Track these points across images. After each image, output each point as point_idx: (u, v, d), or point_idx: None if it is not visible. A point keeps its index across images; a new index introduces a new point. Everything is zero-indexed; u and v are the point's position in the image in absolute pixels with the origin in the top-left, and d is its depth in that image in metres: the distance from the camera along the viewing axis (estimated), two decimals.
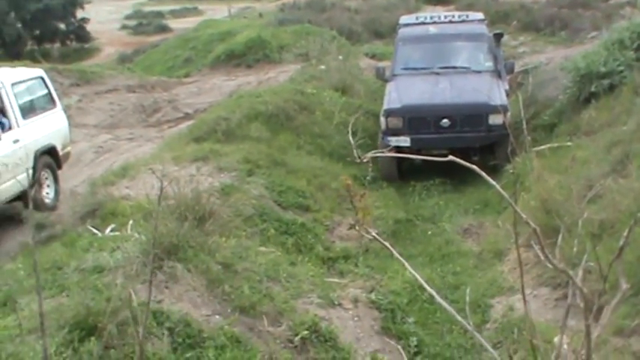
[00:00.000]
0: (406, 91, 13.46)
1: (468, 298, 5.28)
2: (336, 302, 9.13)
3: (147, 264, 7.32)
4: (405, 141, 12.73)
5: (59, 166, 13.23)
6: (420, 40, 15.03)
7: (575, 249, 5.10)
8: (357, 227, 5.97)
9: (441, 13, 16.79)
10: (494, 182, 5.54)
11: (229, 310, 7.66)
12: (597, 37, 22.51)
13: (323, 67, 18.82)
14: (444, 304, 5.13)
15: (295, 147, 13.46)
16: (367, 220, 5.92)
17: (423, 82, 13.80)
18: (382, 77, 14.88)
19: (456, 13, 16.78)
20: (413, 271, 5.65)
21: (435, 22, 15.59)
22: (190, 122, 16.77)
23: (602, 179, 9.44)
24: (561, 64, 14.12)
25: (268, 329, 7.95)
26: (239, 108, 14.08)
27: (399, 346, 8.05)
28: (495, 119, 12.52)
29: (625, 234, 4.91)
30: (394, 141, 12.72)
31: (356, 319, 8.96)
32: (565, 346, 5.12)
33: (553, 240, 5.02)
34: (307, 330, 8.03)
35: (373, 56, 23.46)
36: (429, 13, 19.09)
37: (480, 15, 16.19)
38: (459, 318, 5.11)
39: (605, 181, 9.30)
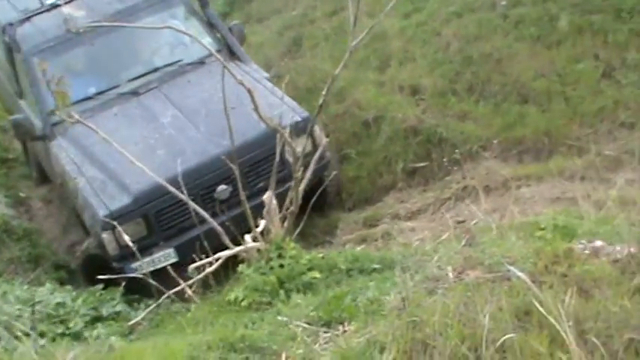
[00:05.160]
0: (112, 162, 6.89)
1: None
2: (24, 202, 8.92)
3: None
4: (166, 257, 6.82)
5: None
6: (68, 42, 7.86)
7: None
8: (57, 112, 5.83)
9: None
10: (206, 44, 5.71)
11: None
12: None
13: None
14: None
15: None
16: (67, 104, 5.83)
17: (125, 124, 7.42)
18: (29, 135, 7.79)
19: None
20: (119, 148, 5.72)
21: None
22: None
23: (279, 61, 10.00)
24: None
25: None
26: None
27: None
28: (298, 146, 6.02)
29: (324, 93, 5.43)
30: (145, 265, 6.61)
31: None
32: (274, 201, 5.56)
33: None
34: None
35: None
36: None
37: None
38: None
39: (283, 62, 9.89)
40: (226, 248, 5.67)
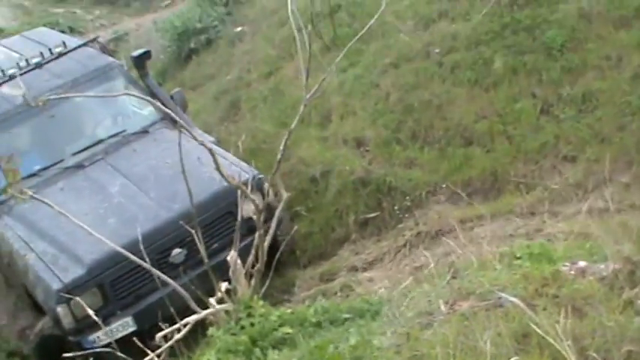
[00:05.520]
0: (62, 235, 6.76)
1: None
2: None
3: None
4: (125, 326, 6.67)
5: None
6: (11, 119, 7.81)
7: None
8: (9, 191, 5.70)
9: (5, 49, 9.08)
10: (161, 106, 5.70)
11: None
12: (170, 4, 23.48)
13: None
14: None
15: None
16: (17, 181, 5.72)
17: (73, 198, 7.23)
18: None
19: (38, 42, 8.95)
20: (80, 223, 5.62)
21: (9, 78, 8.04)
22: None
23: (219, 125, 10.02)
24: (155, 26, 14.35)
25: None
26: None
27: None
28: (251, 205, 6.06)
29: (281, 148, 5.45)
30: (103, 336, 6.47)
31: None
32: (238, 262, 5.50)
33: None
34: None
35: None
36: None
37: (90, 38, 9.30)
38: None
39: (223, 126, 9.91)
40: (188, 311, 5.57)
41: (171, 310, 5.51)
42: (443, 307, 3.08)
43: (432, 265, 3.99)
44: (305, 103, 5.43)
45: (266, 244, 5.54)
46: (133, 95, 5.95)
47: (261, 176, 7.11)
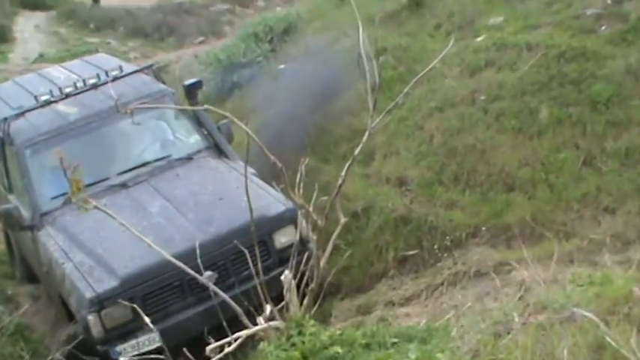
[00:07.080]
0: (100, 248, 7.19)
1: None
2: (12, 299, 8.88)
3: None
4: (151, 341, 6.82)
5: None
6: (63, 135, 8.16)
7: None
8: (73, 200, 5.93)
9: (66, 70, 9.67)
10: (243, 125, 5.93)
11: None
12: (204, 42, 24.03)
13: None
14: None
15: None
16: (81, 192, 5.95)
17: (114, 214, 6.75)
18: (18, 225, 7.89)
19: (97, 65, 9.37)
20: (127, 225, 5.82)
21: (65, 96, 8.46)
22: None
23: (261, 157, 10.19)
24: (198, 59, 14.68)
25: None
26: None
27: None
28: (284, 236, 7.45)
29: (343, 173, 5.66)
30: (130, 349, 6.79)
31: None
32: (293, 281, 5.68)
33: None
34: None
35: None
36: (46, 72, 10.10)
37: (146, 65, 9.97)
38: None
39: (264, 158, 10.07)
40: (217, 330, 5.83)
41: (200, 328, 5.95)
42: (517, 319, 3.24)
43: (499, 287, 4.10)
44: (369, 131, 5.65)
45: (322, 264, 5.72)
46: (210, 109, 6.26)
47: (295, 209, 7.20)
